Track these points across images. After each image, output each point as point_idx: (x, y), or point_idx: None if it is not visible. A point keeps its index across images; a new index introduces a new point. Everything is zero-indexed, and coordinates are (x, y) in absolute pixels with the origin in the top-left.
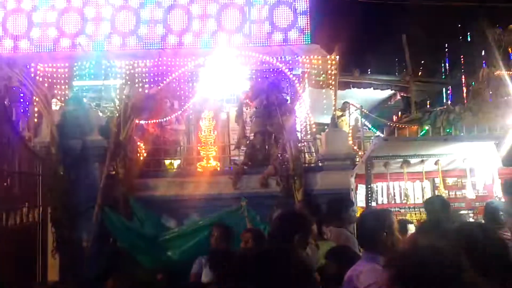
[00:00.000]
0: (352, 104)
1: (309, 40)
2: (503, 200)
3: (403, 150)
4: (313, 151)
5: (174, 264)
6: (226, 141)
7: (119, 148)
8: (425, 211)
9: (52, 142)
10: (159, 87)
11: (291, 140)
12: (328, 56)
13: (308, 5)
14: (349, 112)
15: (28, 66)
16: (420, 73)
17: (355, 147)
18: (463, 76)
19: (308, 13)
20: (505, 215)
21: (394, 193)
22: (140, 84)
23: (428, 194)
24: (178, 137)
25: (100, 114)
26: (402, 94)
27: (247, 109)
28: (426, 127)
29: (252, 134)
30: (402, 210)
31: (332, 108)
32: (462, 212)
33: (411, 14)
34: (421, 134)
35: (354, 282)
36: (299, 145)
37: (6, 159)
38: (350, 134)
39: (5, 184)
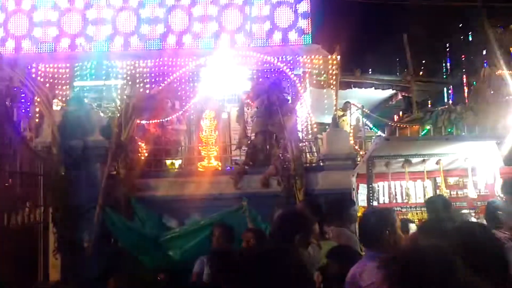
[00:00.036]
0: (353, 104)
1: (310, 40)
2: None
3: (404, 150)
4: (314, 151)
5: (175, 264)
6: (227, 141)
7: (121, 148)
8: (427, 211)
9: (53, 143)
10: (160, 87)
11: (292, 140)
12: (329, 56)
13: (309, 5)
14: (350, 112)
15: (29, 67)
16: (421, 72)
17: (356, 147)
18: (464, 76)
19: (309, 14)
20: (504, 214)
21: (395, 192)
22: (141, 84)
23: (429, 194)
24: (179, 137)
25: (101, 114)
26: (403, 94)
27: (248, 109)
28: (428, 127)
29: (253, 134)
30: (404, 210)
31: (333, 108)
32: (463, 211)
33: (412, 14)
34: (422, 133)
35: (357, 280)
36: (300, 145)
37: (7, 159)
38: (351, 134)
39: (6, 184)
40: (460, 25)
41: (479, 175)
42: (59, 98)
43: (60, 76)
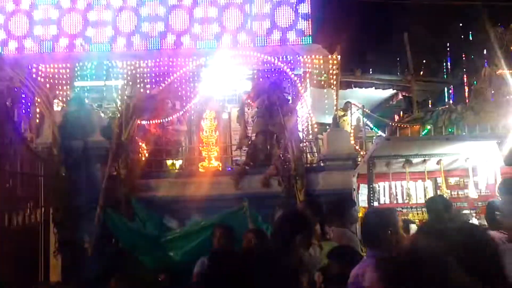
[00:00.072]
0: (354, 104)
1: (310, 40)
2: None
3: (405, 150)
4: (315, 151)
5: (176, 264)
6: (227, 142)
7: (121, 148)
8: (427, 211)
9: (54, 143)
10: (160, 88)
11: (292, 140)
12: (330, 56)
13: (309, 5)
14: (350, 112)
15: (30, 67)
16: (421, 72)
17: (357, 147)
18: (465, 76)
19: (309, 13)
20: (501, 215)
21: (396, 192)
22: (142, 85)
23: (430, 194)
24: (179, 137)
25: (102, 114)
26: (404, 94)
27: (248, 109)
28: (428, 127)
29: (254, 134)
30: (404, 210)
31: (334, 108)
32: (464, 211)
33: (413, 13)
34: (423, 133)
35: (360, 280)
36: (301, 145)
37: (8, 160)
38: (352, 134)
39: (7, 185)
40: (460, 25)
41: (480, 175)
42: (60, 98)
43: (61, 76)
